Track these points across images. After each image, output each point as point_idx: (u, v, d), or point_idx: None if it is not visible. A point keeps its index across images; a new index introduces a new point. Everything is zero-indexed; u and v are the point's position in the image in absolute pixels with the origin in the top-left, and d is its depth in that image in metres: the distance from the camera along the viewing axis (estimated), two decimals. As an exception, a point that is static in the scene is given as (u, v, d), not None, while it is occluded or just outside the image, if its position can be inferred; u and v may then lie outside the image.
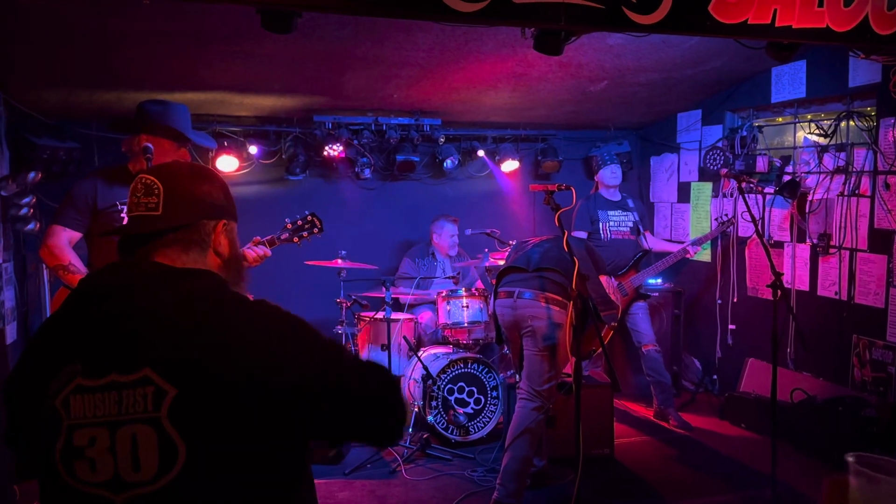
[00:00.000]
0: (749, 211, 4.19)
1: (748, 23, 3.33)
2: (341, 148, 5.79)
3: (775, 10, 3.36)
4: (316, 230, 3.80)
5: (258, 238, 3.49)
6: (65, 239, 3.21)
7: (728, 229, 5.80)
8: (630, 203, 5.78)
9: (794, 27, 3.42)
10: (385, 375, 1.42)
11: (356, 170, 6.09)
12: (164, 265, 1.37)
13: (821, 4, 3.43)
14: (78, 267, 3.18)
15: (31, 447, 1.31)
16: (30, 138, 4.96)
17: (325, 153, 5.80)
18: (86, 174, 3.45)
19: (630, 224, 5.70)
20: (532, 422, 3.80)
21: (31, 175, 4.62)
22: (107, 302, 1.28)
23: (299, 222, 3.76)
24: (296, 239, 3.74)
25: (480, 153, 6.41)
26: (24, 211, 4.75)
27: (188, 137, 3.29)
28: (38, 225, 4.93)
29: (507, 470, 3.79)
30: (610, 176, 5.72)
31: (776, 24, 3.39)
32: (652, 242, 5.83)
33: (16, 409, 1.33)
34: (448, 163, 6.24)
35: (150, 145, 3.11)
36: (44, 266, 5.14)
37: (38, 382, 1.28)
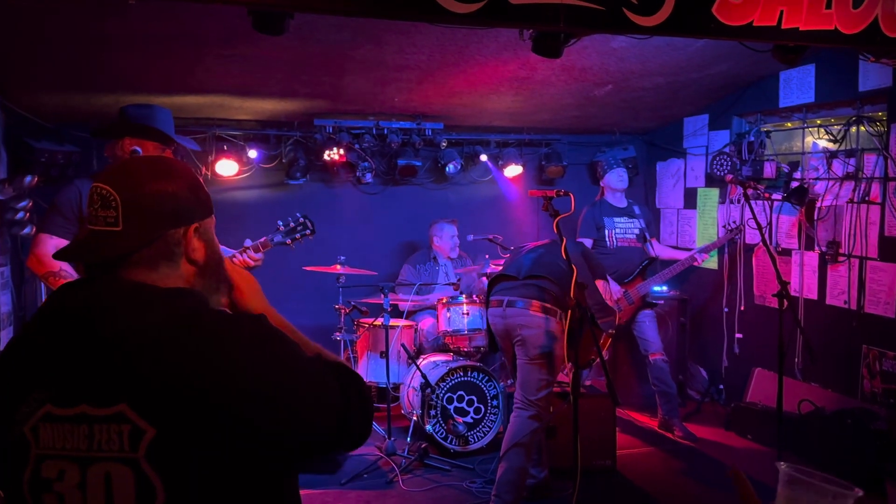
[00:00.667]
0: (755, 218, 4.10)
1: (753, 25, 3.24)
2: (342, 152, 5.73)
3: (781, 12, 3.28)
4: (308, 232, 3.75)
5: (247, 245, 3.43)
6: (52, 247, 3.17)
7: (736, 237, 5.69)
8: (636, 210, 5.68)
9: (801, 29, 3.33)
10: (359, 385, 1.37)
11: (357, 174, 6.03)
12: (141, 285, 1.25)
13: (829, 6, 3.33)
14: (69, 272, 3.14)
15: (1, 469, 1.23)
16: (28, 142, 4.93)
17: (326, 157, 5.74)
18: (70, 180, 3.41)
19: (636, 231, 5.60)
20: (528, 432, 3.72)
21: (28, 179, 4.59)
22: (79, 325, 1.18)
23: (291, 224, 3.72)
24: (289, 241, 3.69)
25: (483, 158, 6.34)
26: (20, 215, 4.71)
27: (172, 138, 3.23)
28: (34, 229, 4.89)
29: (502, 481, 3.71)
30: (617, 180, 5.63)
31: (782, 26, 3.30)
32: (658, 250, 5.73)
33: None
34: (450, 167, 6.17)
35: (138, 149, 3.07)
36: (32, 273, 5.09)
37: (7, 404, 1.20)
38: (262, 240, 3.51)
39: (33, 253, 3.18)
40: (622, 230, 5.58)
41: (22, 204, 4.67)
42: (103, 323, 1.17)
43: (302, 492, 1.39)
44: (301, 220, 3.72)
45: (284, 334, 1.27)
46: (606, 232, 5.55)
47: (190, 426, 1.11)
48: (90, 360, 1.15)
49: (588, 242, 5.54)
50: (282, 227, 3.68)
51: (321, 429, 1.26)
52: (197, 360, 1.14)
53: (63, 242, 3.20)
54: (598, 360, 3.99)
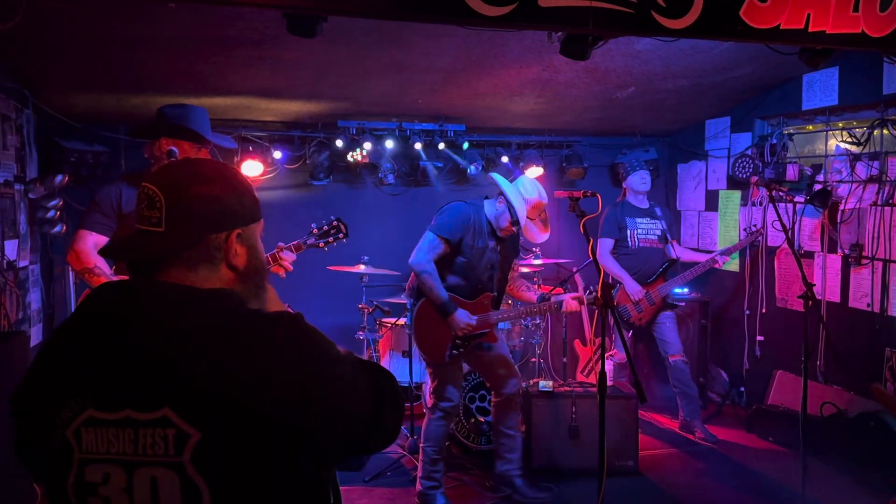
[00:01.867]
0: (780, 220, 4.10)
1: (780, 28, 3.27)
2: (365, 153, 5.78)
3: (809, 15, 3.29)
4: (342, 236, 3.79)
5: (282, 245, 3.48)
6: (91, 243, 3.24)
7: (757, 240, 5.68)
8: (658, 212, 5.69)
9: (827, 32, 3.35)
10: (391, 386, 1.37)
11: (380, 175, 6.08)
12: (177, 286, 1.25)
13: (856, 9, 3.35)
14: (103, 270, 3.20)
15: (41, 471, 1.25)
16: (58, 141, 5.02)
17: (349, 158, 5.79)
18: (111, 179, 3.47)
19: (658, 232, 5.61)
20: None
21: (59, 178, 4.67)
22: (117, 329, 1.18)
23: (325, 227, 3.76)
24: (322, 244, 3.74)
25: (504, 160, 6.37)
26: (51, 213, 4.79)
27: (208, 139, 3.29)
28: (64, 227, 4.97)
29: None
30: (639, 182, 5.63)
31: (809, 29, 3.32)
32: (679, 252, 5.73)
33: (24, 429, 1.25)
34: (472, 169, 6.20)
35: (174, 149, 3.12)
36: (69, 269, 5.19)
37: (47, 409, 1.20)
38: (296, 242, 3.56)
39: (73, 249, 3.24)
40: (644, 231, 5.59)
41: (52, 203, 4.75)
42: (142, 326, 1.17)
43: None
44: (335, 223, 3.77)
45: (320, 333, 1.26)
46: (629, 232, 5.56)
47: (233, 428, 1.12)
48: (131, 365, 1.15)
49: (610, 242, 5.56)
50: (315, 230, 3.72)
51: (356, 427, 1.26)
52: (237, 362, 1.14)
53: (103, 239, 3.27)
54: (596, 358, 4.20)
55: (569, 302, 4.07)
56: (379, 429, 1.30)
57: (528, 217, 4.05)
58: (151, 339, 1.16)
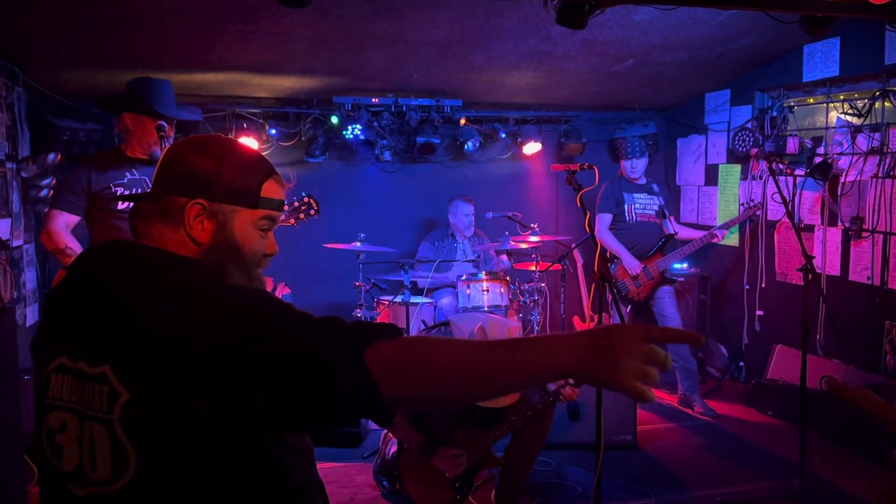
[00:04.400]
0: (780, 192, 4.06)
1: (781, -6, 3.20)
2: (361, 130, 5.73)
3: (810, -19, 3.23)
4: (313, 212, 3.76)
5: None
6: (62, 223, 3.28)
7: (756, 214, 5.64)
8: (655, 187, 5.65)
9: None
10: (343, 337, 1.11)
11: (376, 152, 6.03)
12: (150, 249, 1.27)
13: (858, -25, 3.28)
14: (74, 249, 3.30)
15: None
16: (50, 119, 4.96)
17: (345, 135, 5.73)
18: (79, 161, 3.50)
19: (655, 208, 5.57)
20: None
21: (52, 156, 4.63)
22: (89, 286, 1.22)
23: (296, 203, 3.74)
24: (292, 220, 3.70)
25: (502, 135, 6.31)
26: (44, 192, 4.76)
27: (162, 113, 3.27)
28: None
29: None
30: (629, 169, 5.58)
31: (810, -4, 3.25)
32: (677, 227, 5.69)
33: (34, 371, 1.33)
34: (469, 145, 6.14)
35: (163, 123, 3.13)
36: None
37: (38, 353, 1.27)
38: None
39: (45, 229, 3.29)
40: (641, 206, 5.55)
41: (46, 181, 4.72)
42: (103, 286, 1.20)
43: (325, 465, 1.33)
44: (305, 199, 3.73)
45: (273, 298, 1.18)
46: (626, 207, 5.52)
47: (163, 392, 1.09)
48: (89, 321, 1.19)
49: (608, 218, 5.52)
50: (286, 206, 3.70)
51: (294, 379, 1.07)
52: (174, 327, 1.11)
53: (74, 219, 3.33)
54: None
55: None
56: (326, 375, 1.07)
57: None
58: (107, 299, 1.19)
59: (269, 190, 1.35)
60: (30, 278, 4.88)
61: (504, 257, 5.93)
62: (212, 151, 1.31)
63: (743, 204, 5.79)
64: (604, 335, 1.04)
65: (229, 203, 1.31)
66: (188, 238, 1.29)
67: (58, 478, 1.21)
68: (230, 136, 3.06)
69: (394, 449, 3.87)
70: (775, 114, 5.55)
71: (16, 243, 4.58)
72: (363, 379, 1.05)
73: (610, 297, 3.21)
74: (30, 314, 4.78)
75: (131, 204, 1.38)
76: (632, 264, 5.31)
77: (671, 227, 5.57)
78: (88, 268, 1.27)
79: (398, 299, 5.13)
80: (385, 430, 4.18)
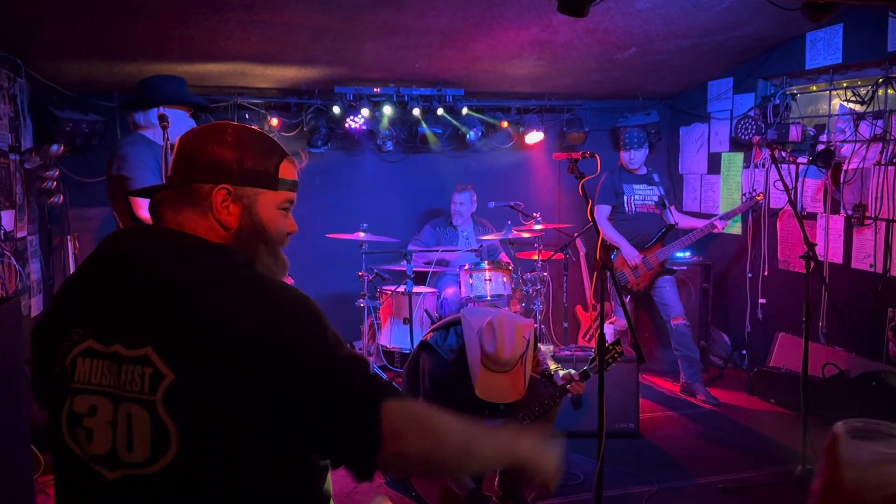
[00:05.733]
0: (782, 180, 4.06)
1: (783, -19, 3.19)
2: (363, 120, 5.72)
3: (812, -32, 3.21)
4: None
5: None
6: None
7: (758, 204, 5.61)
8: (656, 177, 5.63)
9: (831, -15, 3.27)
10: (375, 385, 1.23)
11: (378, 142, 6.02)
12: (181, 234, 1.30)
13: (861, -39, 3.27)
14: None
15: (46, 402, 1.30)
16: (52, 111, 4.96)
17: (347, 125, 5.73)
18: (123, 149, 3.46)
19: (655, 198, 5.56)
20: None
21: (55, 148, 4.64)
22: (122, 270, 1.23)
23: None
24: None
25: (504, 125, 6.30)
26: (48, 184, 4.77)
27: (202, 103, 3.49)
28: (61, 198, 4.95)
29: None
30: (627, 160, 5.57)
31: (813, -18, 3.24)
32: (677, 217, 5.68)
33: (37, 361, 1.33)
34: (471, 134, 6.14)
35: (165, 114, 3.15)
36: (69, 238, 5.18)
37: (54, 338, 1.26)
38: None
39: (138, 216, 3.29)
40: (641, 196, 5.55)
41: (49, 173, 4.73)
42: (139, 270, 1.22)
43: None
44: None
45: (318, 310, 1.24)
46: (625, 198, 5.52)
47: (207, 376, 1.13)
48: (125, 304, 1.20)
49: (607, 209, 5.52)
50: None
51: (327, 407, 1.18)
52: (223, 313, 1.16)
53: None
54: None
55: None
56: (348, 412, 1.18)
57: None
58: (145, 283, 1.20)
59: (286, 171, 1.41)
60: (34, 269, 4.90)
61: (503, 256, 5.95)
62: (229, 137, 1.36)
63: (746, 194, 5.77)
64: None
65: (252, 186, 1.36)
66: (217, 223, 1.33)
67: (81, 462, 1.21)
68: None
69: None
70: (778, 101, 5.53)
71: (20, 234, 4.59)
72: (372, 433, 1.18)
73: (611, 286, 3.22)
74: (34, 305, 4.80)
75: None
76: (631, 254, 5.31)
77: (672, 217, 5.57)
78: (117, 253, 1.28)
79: (401, 289, 5.14)
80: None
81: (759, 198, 5.48)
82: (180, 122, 3.44)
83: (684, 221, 5.68)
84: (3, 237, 4.20)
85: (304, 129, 5.91)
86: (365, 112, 5.70)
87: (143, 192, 1.43)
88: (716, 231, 5.50)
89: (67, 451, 1.23)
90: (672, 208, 5.62)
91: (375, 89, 5.83)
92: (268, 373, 1.14)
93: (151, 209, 1.38)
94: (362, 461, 1.21)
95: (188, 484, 1.16)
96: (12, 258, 4.28)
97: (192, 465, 1.15)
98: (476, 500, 3.38)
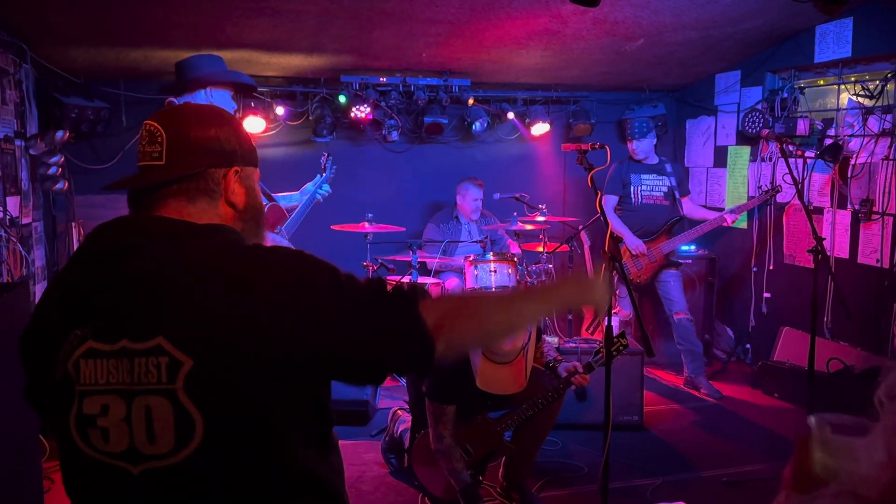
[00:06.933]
0: (791, 174, 4.04)
1: (796, -28, 3.16)
2: (368, 109, 5.70)
3: (826, -41, 3.19)
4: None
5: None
6: None
7: (771, 198, 5.58)
8: (668, 168, 5.60)
9: (844, -23, 3.24)
10: (399, 301, 1.23)
11: (383, 132, 6.00)
12: (176, 221, 1.27)
13: (874, -47, 3.24)
14: None
15: (46, 409, 1.27)
16: (58, 97, 4.95)
17: (353, 115, 5.71)
18: None
19: (664, 189, 5.54)
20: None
21: (60, 134, 4.62)
22: (117, 262, 1.20)
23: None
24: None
25: (510, 116, 6.28)
26: (52, 170, 4.75)
27: (247, 83, 3.41)
28: (66, 184, 4.94)
29: None
30: (634, 150, 5.55)
31: (826, -26, 3.21)
32: (688, 209, 5.66)
33: (31, 369, 1.28)
34: (477, 125, 6.11)
35: (174, 100, 3.13)
36: (73, 225, 5.17)
37: (50, 343, 1.21)
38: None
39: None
40: (648, 187, 5.52)
41: (54, 159, 4.71)
42: (140, 258, 1.19)
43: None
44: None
45: (318, 257, 1.25)
46: (632, 189, 5.50)
47: (227, 356, 1.12)
48: (128, 296, 1.17)
49: (614, 199, 5.51)
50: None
51: (356, 354, 1.20)
52: (228, 291, 1.15)
53: None
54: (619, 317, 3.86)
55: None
56: (393, 329, 1.20)
57: None
58: (148, 271, 1.18)
59: None
60: (39, 256, 4.89)
61: (513, 244, 5.91)
62: (222, 120, 1.37)
63: (760, 187, 5.73)
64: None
65: (249, 165, 1.39)
66: (228, 206, 1.35)
67: (97, 462, 1.18)
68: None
69: (402, 427, 3.89)
70: (786, 95, 5.50)
71: (25, 221, 4.58)
72: (422, 333, 1.20)
73: (617, 278, 3.20)
74: (38, 291, 4.80)
75: None
76: (634, 243, 5.30)
77: (682, 209, 5.54)
78: (109, 245, 1.24)
79: (406, 279, 5.12)
80: (393, 409, 4.21)
81: (773, 193, 5.44)
82: (224, 103, 3.32)
83: (696, 213, 5.65)
84: (8, 223, 4.19)
85: (310, 117, 5.89)
86: (371, 101, 5.67)
87: (118, 185, 1.38)
88: (725, 225, 5.47)
89: (78, 453, 1.20)
90: (684, 199, 5.58)
91: (382, 78, 5.81)
92: (294, 328, 1.14)
93: (137, 201, 1.33)
94: (423, 364, 1.23)
95: (214, 469, 1.15)
96: (18, 244, 4.27)
97: (219, 450, 1.14)
98: (468, 496, 3.38)
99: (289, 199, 4.43)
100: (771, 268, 5.78)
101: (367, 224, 5.21)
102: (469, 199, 5.90)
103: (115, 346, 1.16)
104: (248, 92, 3.76)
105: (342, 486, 1.35)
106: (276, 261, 1.21)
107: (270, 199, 3.99)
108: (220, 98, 3.27)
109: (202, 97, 3.24)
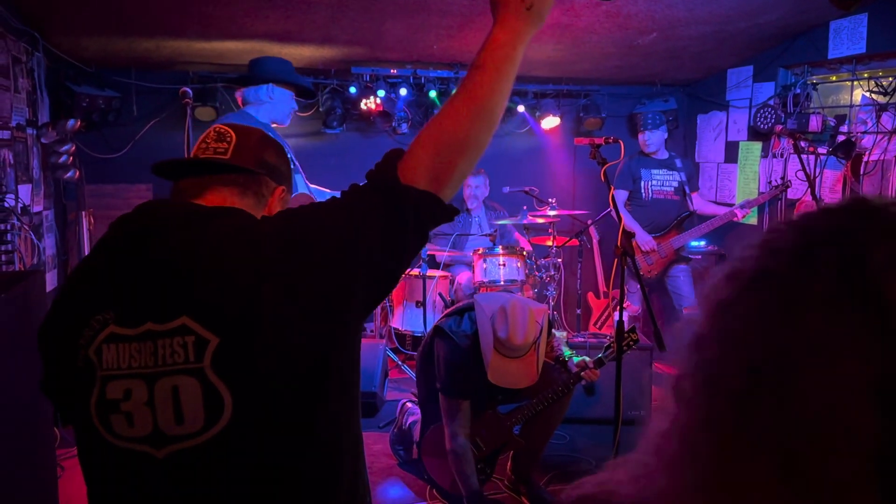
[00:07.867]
0: (804, 170, 4.03)
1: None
2: (379, 101, 5.69)
3: (844, -46, 3.16)
4: None
5: None
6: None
7: (782, 193, 5.56)
8: (678, 163, 5.59)
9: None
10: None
11: (393, 124, 5.99)
12: (198, 205, 1.29)
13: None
14: None
15: (65, 397, 1.27)
16: (69, 86, 4.96)
17: (363, 107, 5.70)
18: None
19: (675, 184, 5.53)
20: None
21: (71, 123, 4.63)
22: (139, 247, 1.21)
23: None
24: None
25: (520, 109, 6.26)
26: (63, 159, 4.77)
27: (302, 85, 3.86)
28: (77, 173, 4.95)
29: None
30: (644, 143, 5.54)
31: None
32: (698, 204, 5.64)
33: (50, 358, 1.28)
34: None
35: (188, 90, 3.15)
36: (83, 214, 5.18)
37: (71, 331, 1.22)
38: None
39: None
40: (659, 182, 5.51)
41: (65, 148, 4.72)
42: (163, 240, 1.20)
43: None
44: None
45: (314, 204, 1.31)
46: (642, 184, 5.48)
47: (251, 332, 1.13)
48: (151, 278, 1.18)
49: (624, 194, 5.49)
50: None
51: (379, 245, 1.25)
52: (244, 263, 1.17)
53: None
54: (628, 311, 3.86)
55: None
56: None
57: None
58: (170, 251, 1.19)
59: None
60: (49, 244, 4.91)
61: (522, 239, 5.90)
62: (280, 151, 1.52)
63: (771, 183, 5.71)
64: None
65: (289, 193, 1.54)
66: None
67: (119, 448, 1.18)
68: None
69: (411, 419, 3.90)
70: (798, 91, 5.47)
71: (36, 209, 4.60)
72: (419, 193, 1.27)
73: (628, 274, 3.20)
74: (49, 280, 4.82)
75: None
76: (644, 239, 5.29)
77: (692, 204, 5.52)
78: (133, 228, 1.25)
79: (415, 272, 5.13)
80: (402, 401, 4.22)
81: (783, 188, 5.42)
82: (286, 101, 3.74)
83: (706, 208, 5.63)
84: (20, 211, 4.20)
85: (320, 109, 5.89)
86: (381, 93, 5.66)
87: (176, 161, 1.43)
88: (735, 220, 5.45)
89: (100, 441, 1.19)
90: (694, 195, 5.56)
91: (392, 70, 5.80)
92: (310, 259, 1.19)
93: (183, 189, 1.38)
94: (439, 216, 1.31)
95: (242, 445, 1.15)
96: (31, 232, 4.28)
97: (248, 426, 1.15)
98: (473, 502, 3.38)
99: (322, 194, 4.46)
100: (781, 264, 5.74)
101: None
102: (466, 188, 5.87)
103: (138, 330, 1.17)
104: (307, 96, 4.09)
105: (363, 462, 1.38)
106: (281, 222, 1.27)
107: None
108: (280, 96, 3.65)
109: (264, 92, 3.61)
